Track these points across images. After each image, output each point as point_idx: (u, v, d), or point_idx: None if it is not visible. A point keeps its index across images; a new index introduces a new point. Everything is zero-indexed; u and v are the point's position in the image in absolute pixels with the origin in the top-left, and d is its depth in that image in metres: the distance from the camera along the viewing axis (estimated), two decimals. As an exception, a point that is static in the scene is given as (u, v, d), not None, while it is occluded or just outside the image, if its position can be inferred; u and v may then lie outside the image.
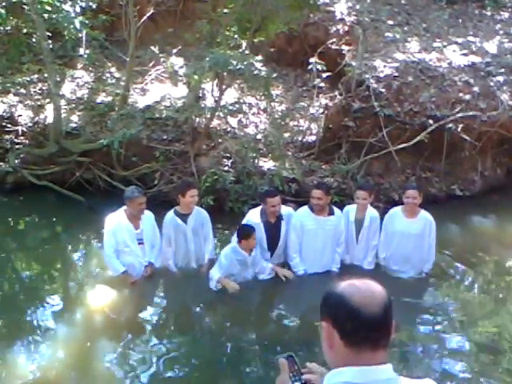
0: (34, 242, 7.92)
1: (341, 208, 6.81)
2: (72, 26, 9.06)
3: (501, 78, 10.20)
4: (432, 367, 5.02)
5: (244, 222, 6.47)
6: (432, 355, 5.22)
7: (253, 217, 6.47)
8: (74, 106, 10.32)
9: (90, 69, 11.30)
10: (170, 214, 6.38)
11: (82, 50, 10.83)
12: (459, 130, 9.38)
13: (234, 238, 6.21)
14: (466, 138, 9.44)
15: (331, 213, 6.46)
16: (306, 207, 6.55)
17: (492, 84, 10.07)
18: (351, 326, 1.65)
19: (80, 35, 9.69)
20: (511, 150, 10.27)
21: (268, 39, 9.85)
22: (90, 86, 10.82)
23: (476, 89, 9.90)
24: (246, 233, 6.03)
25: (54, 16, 9.07)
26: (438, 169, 9.76)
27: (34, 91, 10.60)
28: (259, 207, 6.58)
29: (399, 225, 6.50)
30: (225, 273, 6.00)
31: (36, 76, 10.67)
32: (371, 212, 6.63)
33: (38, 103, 10.30)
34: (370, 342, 1.64)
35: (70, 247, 7.71)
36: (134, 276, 6.18)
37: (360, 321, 1.63)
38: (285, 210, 6.66)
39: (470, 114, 9.56)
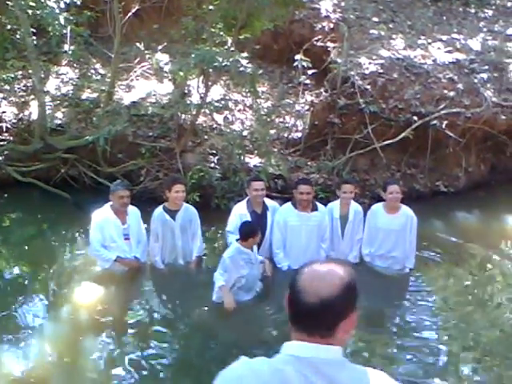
0: (19, 239, 7.85)
1: (326, 204, 6.85)
2: (56, 22, 8.98)
3: (484, 75, 10.32)
4: (414, 360, 5.06)
5: (231, 215, 6.50)
6: (415, 348, 5.26)
7: (239, 209, 6.51)
8: (58, 102, 10.25)
9: (75, 65, 11.23)
10: (159, 209, 6.39)
11: (66, 47, 10.75)
12: (443, 126, 9.47)
13: (231, 238, 6.17)
14: (451, 134, 9.52)
15: (315, 208, 6.50)
16: (289, 204, 6.58)
17: (476, 81, 10.18)
18: (291, 309, 1.72)
19: (64, 31, 9.61)
20: (495, 147, 10.38)
21: (253, 36, 9.84)
22: (74, 83, 10.75)
23: (460, 86, 9.99)
24: (252, 230, 5.79)
25: (38, 12, 8.99)
26: (422, 165, 9.85)
27: (19, 88, 10.50)
28: (245, 199, 6.63)
29: (381, 221, 6.55)
30: (230, 276, 5.73)
31: (20, 72, 10.56)
32: (355, 206, 6.70)
33: (23, 100, 10.22)
34: (304, 329, 1.69)
35: (55, 244, 7.66)
36: (126, 261, 6.23)
37: (297, 307, 1.69)
38: (270, 202, 6.75)
39: (454, 110, 9.66)
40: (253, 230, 5.78)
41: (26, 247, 7.64)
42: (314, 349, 1.67)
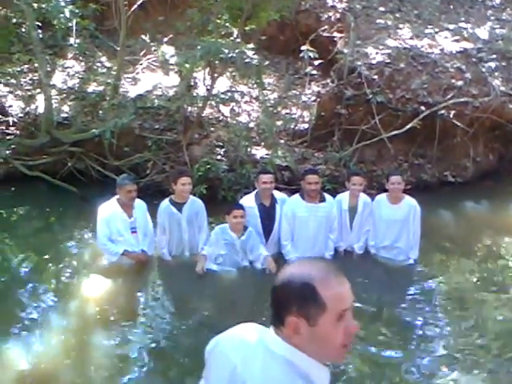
0: (27, 233, 7.87)
1: (333, 196, 6.83)
2: (62, 16, 8.94)
3: (492, 64, 10.22)
4: (419, 350, 5.06)
5: None
6: (418, 338, 5.25)
7: (247, 201, 6.50)
8: (64, 95, 10.26)
9: (81, 58, 11.23)
10: (165, 202, 6.40)
11: (72, 40, 10.75)
12: (451, 116, 9.41)
13: None
14: (458, 124, 9.47)
15: (322, 199, 6.48)
16: (297, 195, 6.58)
17: (484, 70, 10.08)
18: None
19: (70, 24, 9.58)
20: (503, 136, 10.30)
21: (259, 27, 9.79)
22: (80, 76, 10.75)
23: (468, 75, 9.91)
24: (229, 207, 6.19)
25: (43, 5, 8.96)
26: (430, 155, 9.79)
27: (25, 81, 10.51)
28: (254, 192, 6.61)
29: (384, 211, 6.57)
30: (213, 250, 6.12)
31: (26, 66, 10.59)
32: (364, 198, 6.69)
33: (29, 93, 10.22)
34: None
35: (62, 237, 7.66)
36: (134, 255, 6.24)
37: None
38: (279, 195, 6.72)
39: (462, 100, 9.59)
40: (229, 208, 6.16)
41: (34, 241, 7.66)
42: (267, 332, 1.76)
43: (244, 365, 1.73)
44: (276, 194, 6.69)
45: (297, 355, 1.67)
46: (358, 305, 5.93)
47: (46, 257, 7.01)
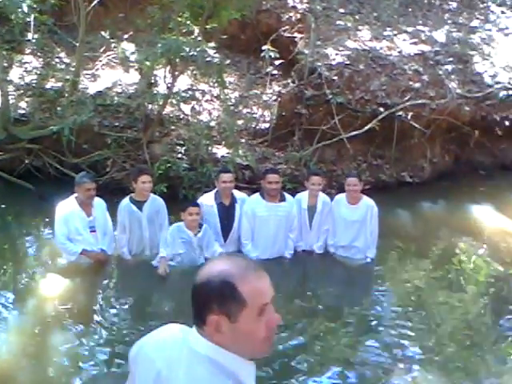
0: (-18, 232, 7.73)
1: (293, 195, 6.89)
2: (20, 10, 8.81)
3: (449, 67, 10.44)
4: (371, 350, 5.13)
5: None
6: (373, 336, 5.33)
7: (206, 199, 6.52)
8: (22, 92, 10.04)
9: (39, 54, 11.01)
10: (126, 200, 6.36)
11: (30, 35, 10.57)
12: (409, 117, 9.59)
13: None
14: (416, 125, 9.64)
15: (282, 199, 6.54)
16: (257, 194, 6.62)
17: (441, 72, 10.30)
18: None
19: (28, 19, 9.44)
20: (459, 138, 10.53)
21: (221, 26, 9.77)
22: (38, 72, 10.53)
23: (425, 77, 10.11)
24: (185, 205, 6.22)
25: (0, 0, 8.81)
26: (388, 156, 9.94)
27: (-19, 77, 10.28)
28: (214, 191, 6.62)
29: (343, 211, 6.67)
30: (171, 250, 6.14)
31: (-18, 61, 10.35)
32: (323, 197, 6.76)
33: (-15, 89, 10.00)
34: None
35: (19, 236, 7.54)
36: (92, 254, 6.18)
37: None
38: (239, 195, 6.75)
39: (420, 101, 9.77)
40: (184, 205, 6.20)
41: (-11, 240, 7.51)
42: (190, 332, 1.74)
43: (169, 368, 1.72)
44: (236, 193, 6.72)
45: (220, 353, 1.67)
46: (316, 304, 6.02)
47: (3, 256, 6.90)
